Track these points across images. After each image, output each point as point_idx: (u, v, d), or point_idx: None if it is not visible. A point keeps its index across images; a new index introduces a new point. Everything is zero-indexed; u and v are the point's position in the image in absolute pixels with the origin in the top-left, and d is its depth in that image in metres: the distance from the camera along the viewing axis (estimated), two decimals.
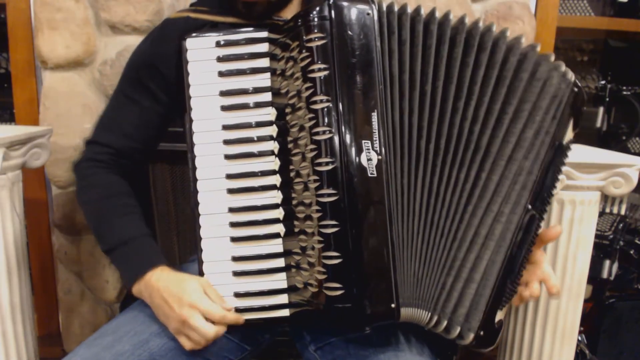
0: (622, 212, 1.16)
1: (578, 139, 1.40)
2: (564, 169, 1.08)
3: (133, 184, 0.95)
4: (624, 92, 1.98)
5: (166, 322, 0.80)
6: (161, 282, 0.80)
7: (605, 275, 1.76)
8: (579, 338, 1.45)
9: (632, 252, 1.78)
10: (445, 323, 0.77)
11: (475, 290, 0.78)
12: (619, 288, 1.78)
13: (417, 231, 0.77)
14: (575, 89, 0.80)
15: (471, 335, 0.78)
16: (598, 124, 2.01)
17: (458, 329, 0.78)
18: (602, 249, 1.76)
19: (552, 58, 0.79)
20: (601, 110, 2.00)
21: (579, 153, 1.17)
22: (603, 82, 2.02)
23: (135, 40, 1.37)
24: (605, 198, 1.15)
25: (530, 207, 0.79)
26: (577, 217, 1.12)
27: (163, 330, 0.82)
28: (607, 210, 1.16)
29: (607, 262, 1.76)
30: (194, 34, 0.82)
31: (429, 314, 0.77)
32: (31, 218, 1.52)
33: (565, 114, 0.80)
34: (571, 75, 0.80)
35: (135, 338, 0.81)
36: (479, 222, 0.77)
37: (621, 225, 1.78)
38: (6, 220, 1.10)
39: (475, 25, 0.78)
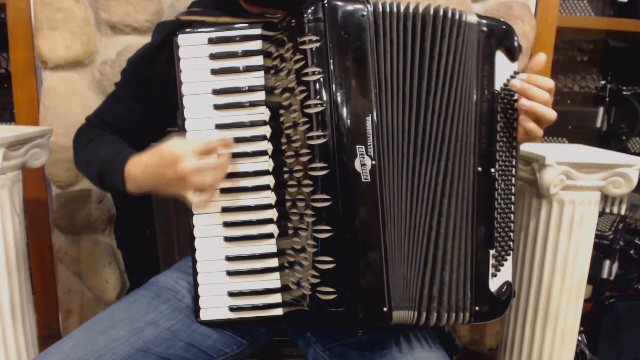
0: (622, 212, 1.16)
1: (578, 139, 1.40)
2: (564, 168, 1.09)
3: None
4: (624, 92, 1.98)
5: (173, 191, 0.78)
6: (139, 167, 0.81)
7: (605, 275, 1.76)
8: (579, 338, 1.45)
9: (632, 252, 1.78)
10: (435, 315, 0.78)
11: (451, 276, 0.78)
12: (619, 288, 1.78)
13: (404, 234, 0.77)
14: (484, 29, 0.78)
15: (467, 315, 0.79)
16: (598, 124, 2.01)
17: (453, 316, 0.79)
18: (602, 249, 1.76)
19: (450, 13, 0.76)
20: (601, 110, 2.00)
21: (579, 153, 1.17)
22: (603, 82, 2.02)
23: (135, 40, 1.39)
24: (605, 198, 1.15)
25: (480, 169, 0.79)
26: (577, 217, 1.12)
27: (158, 319, 0.83)
28: (607, 210, 1.16)
29: (607, 262, 1.76)
30: (186, 30, 0.80)
31: (416, 312, 0.78)
32: (31, 218, 1.52)
33: (479, 59, 0.78)
34: (472, 18, 0.78)
35: (130, 325, 0.81)
36: (447, 209, 0.78)
37: (621, 225, 1.78)
38: (6, 220, 1.10)
39: (434, 11, 0.76)
